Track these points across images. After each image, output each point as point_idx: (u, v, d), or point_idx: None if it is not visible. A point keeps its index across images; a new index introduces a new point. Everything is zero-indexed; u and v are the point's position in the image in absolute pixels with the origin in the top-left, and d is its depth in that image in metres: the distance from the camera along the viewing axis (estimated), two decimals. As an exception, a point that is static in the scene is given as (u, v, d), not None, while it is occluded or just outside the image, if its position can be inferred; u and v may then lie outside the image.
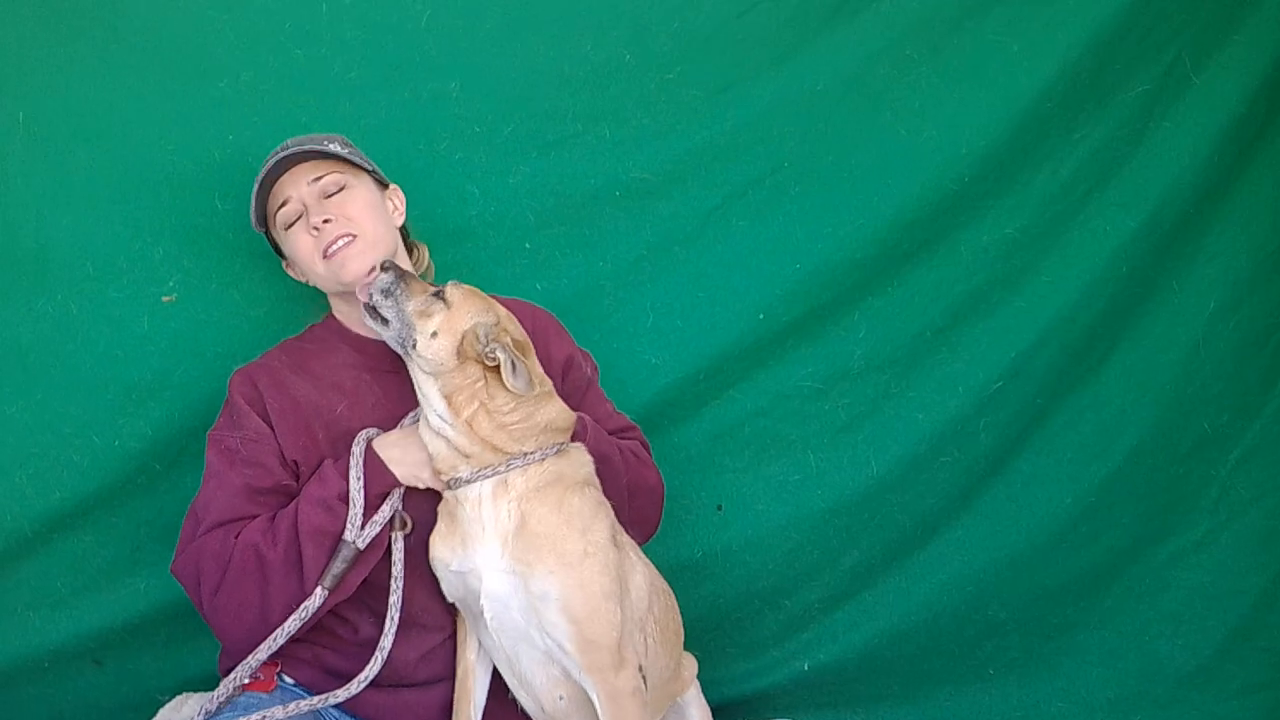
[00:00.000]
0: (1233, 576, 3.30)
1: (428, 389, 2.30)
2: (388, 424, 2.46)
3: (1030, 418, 3.21)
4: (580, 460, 2.35)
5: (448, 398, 2.27)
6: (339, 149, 2.45)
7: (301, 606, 2.30)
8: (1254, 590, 3.30)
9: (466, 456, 2.27)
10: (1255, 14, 3.09)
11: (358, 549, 2.31)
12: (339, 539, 2.30)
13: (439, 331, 2.26)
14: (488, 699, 2.44)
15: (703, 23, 3.00)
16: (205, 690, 2.87)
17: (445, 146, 2.95)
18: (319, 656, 2.46)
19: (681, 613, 2.61)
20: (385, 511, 2.34)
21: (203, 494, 2.45)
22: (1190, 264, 3.19)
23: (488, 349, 2.24)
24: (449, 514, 2.33)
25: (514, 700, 2.41)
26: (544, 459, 2.28)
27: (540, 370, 2.36)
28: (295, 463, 2.44)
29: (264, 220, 2.54)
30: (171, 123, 2.84)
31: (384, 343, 2.44)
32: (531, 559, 2.20)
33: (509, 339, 2.28)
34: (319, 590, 2.30)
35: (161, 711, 3.01)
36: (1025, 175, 3.09)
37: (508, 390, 2.24)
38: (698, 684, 2.63)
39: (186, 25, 2.83)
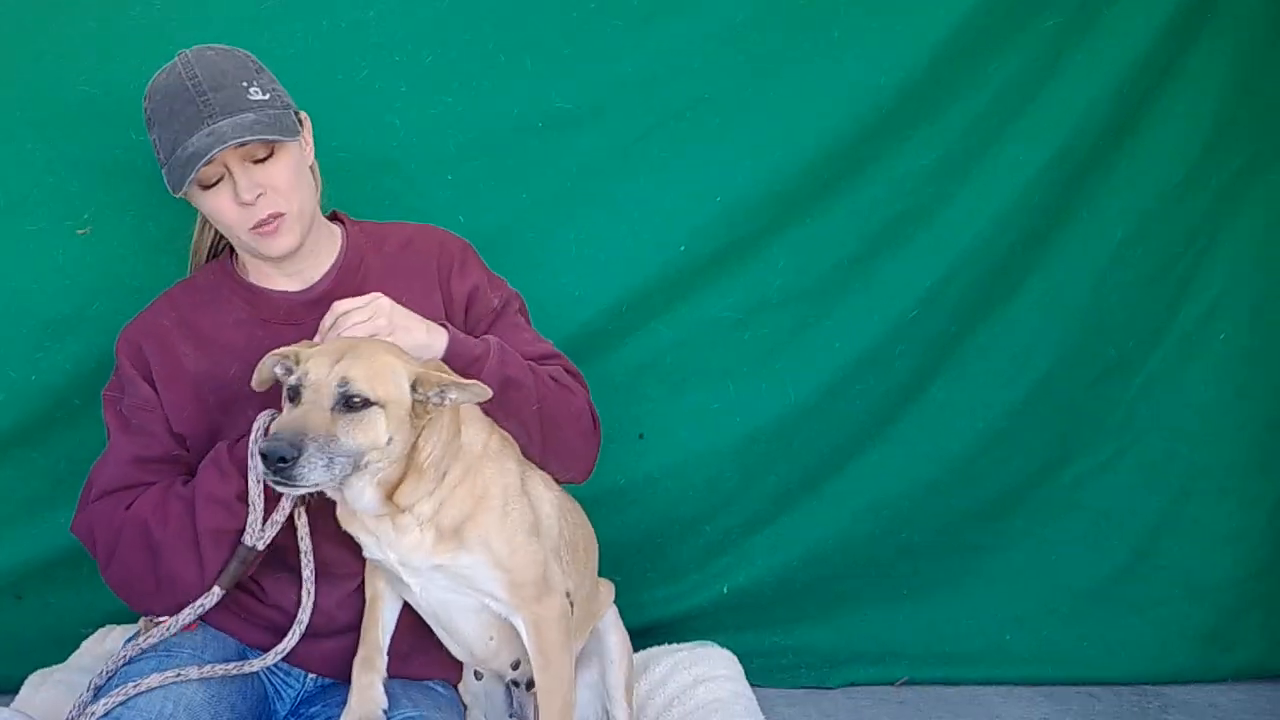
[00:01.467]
0: (1134, 499, 3.42)
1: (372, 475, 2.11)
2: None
3: (944, 346, 3.27)
4: (474, 428, 2.25)
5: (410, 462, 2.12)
6: (258, 94, 2.25)
7: (198, 603, 2.26)
8: (1153, 512, 3.42)
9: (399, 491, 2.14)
10: (1166, -52, 3.13)
11: (258, 551, 2.25)
12: (238, 536, 2.26)
13: (393, 434, 2.05)
14: (413, 637, 2.41)
15: (625, -47, 2.98)
16: (128, 623, 2.89)
17: (365, 76, 2.91)
18: (237, 600, 2.41)
19: (603, 539, 2.64)
20: (285, 508, 2.25)
21: (101, 456, 2.41)
22: (1098, 195, 3.25)
23: (435, 400, 2.08)
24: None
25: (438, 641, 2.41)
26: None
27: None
28: (182, 435, 2.37)
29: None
30: (85, 53, 2.79)
31: (281, 293, 2.41)
32: (454, 545, 2.16)
33: (436, 374, 2.10)
34: (216, 590, 2.27)
35: (84, 644, 3.02)
36: (941, 107, 3.12)
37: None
38: (615, 609, 2.66)
39: (100, -48, 2.77)
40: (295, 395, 2.01)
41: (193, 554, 2.25)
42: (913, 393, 3.30)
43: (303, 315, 2.39)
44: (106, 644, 2.99)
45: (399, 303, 2.26)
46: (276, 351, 2.11)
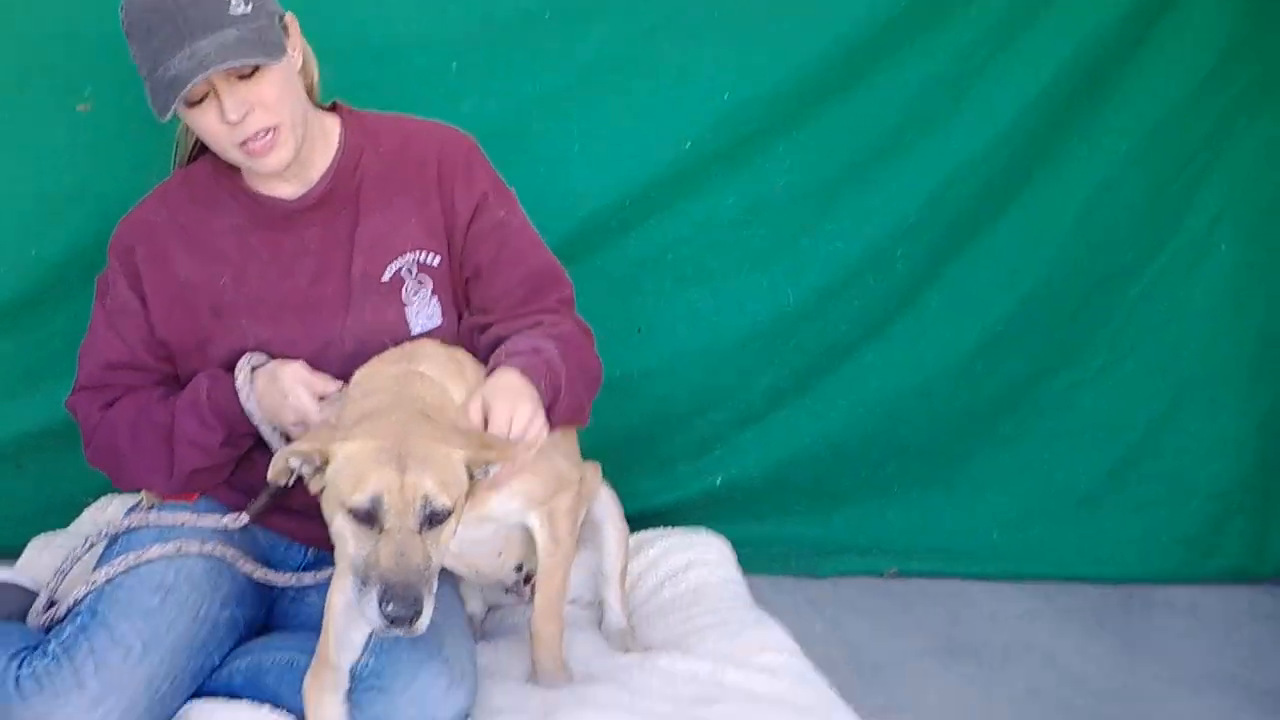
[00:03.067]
0: (1127, 405, 3.44)
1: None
2: (274, 289, 2.33)
3: (944, 250, 3.27)
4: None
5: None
6: (240, 6, 2.11)
7: (221, 522, 2.30)
8: (1146, 418, 3.45)
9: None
10: None
11: (285, 489, 2.22)
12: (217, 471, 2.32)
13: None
14: None
15: None
16: (130, 495, 2.92)
17: (369, -41, 2.86)
18: (239, 478, 2.42)
19: (597, 429, 2.62)
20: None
21: (84, 340, 2.42)
22: (1105, 107, 3.21)
23: (480, 476, 1.99)
24: None
25: None
26: None
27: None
28: (164, 342, 2.36)
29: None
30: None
31: (276, 199, 2.35)
32: (487, 493, 2.14)
33: (482, 452, 1.98)
34: (244, 517, 2.31)
35: (86, 512, 3.07)
36: (950, 14, 3.08)
37: None
38: (615, 496, 2.67)
39: None
40: (371, 518, 1.87)
41: (163, 477, 2.30)
42: (911, 295, 3.30)
43: (299, 221, 2.36)
44: (108, 512, 3.03)
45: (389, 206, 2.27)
46: (297, 449, 1.93)
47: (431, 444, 1.91)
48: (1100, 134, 3.24)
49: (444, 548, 1.91)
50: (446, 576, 2.42)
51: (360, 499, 1.85)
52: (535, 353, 2.17)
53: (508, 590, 2.59)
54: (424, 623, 1.83)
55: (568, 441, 2.46)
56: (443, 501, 1.87)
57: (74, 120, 2.85)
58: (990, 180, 3.22)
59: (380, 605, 1.79)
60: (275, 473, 1.95)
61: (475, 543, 2.26)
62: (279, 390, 2.21)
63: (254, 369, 2.27)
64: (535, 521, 2.25)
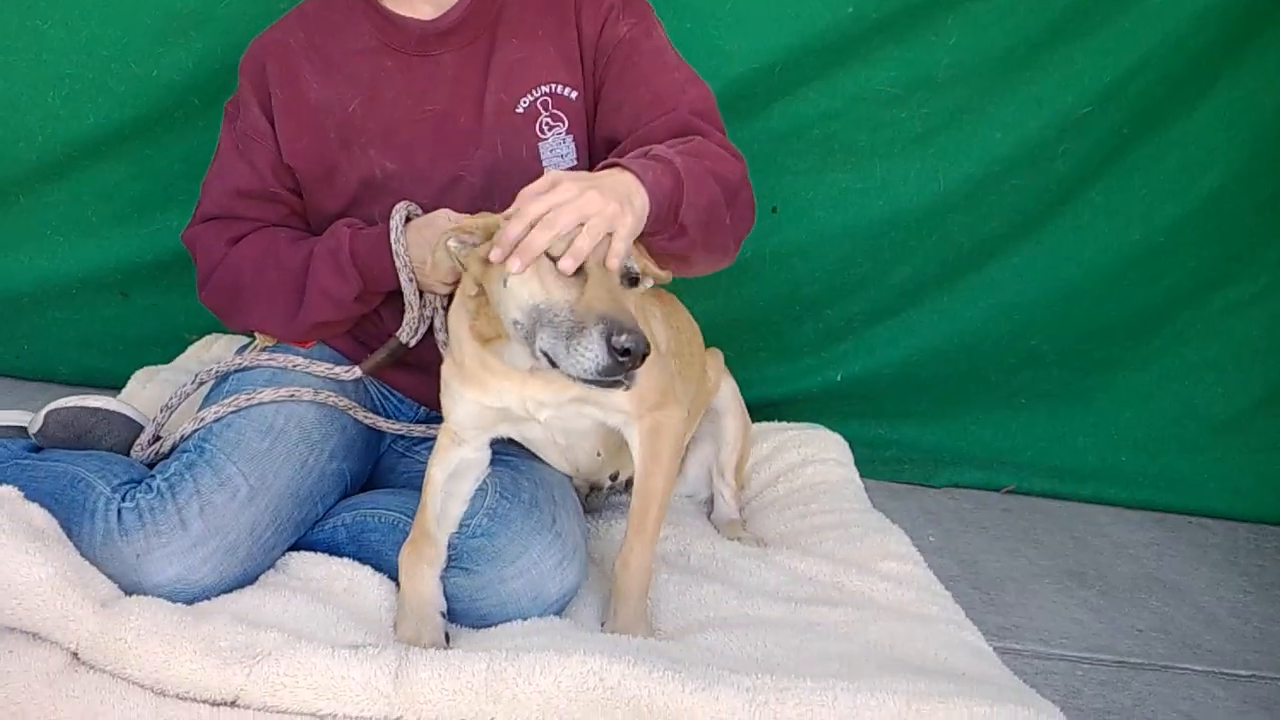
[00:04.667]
0: (1281, 334, 3.26)
1: None
2: (405, 115, 2.22)
3: (1112, 148, 3.08)
4: None
5: None
6: None
7: (334, 371, 2.23)
8: (1300, 350, 3.26)
9: None
10: None
11: (408, 347, 2.20)
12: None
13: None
14: None
15: None
16: (235, 334, 2.87)
17: None
18: (358, 324, 2.33)
19: (718, 313, 2.59)
20: (429, 304, 2.18)
21: (210, 169, 2.32)
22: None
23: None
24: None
25: None
26: None
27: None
28: (291, 167, 2.26)
29: None
30: None
31: (414, 20, 2.22)
32: None
33: (643, 259, 1.91)
34: (357, 369, 2.25)
35: (190, 348, 3.04)
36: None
37: None
38: (735, 387, 2.57)
39: None
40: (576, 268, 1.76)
41: (283, 323, 2.22)
42: (1069, 195, 3.13)
43: (435, 45, 2.23)
44: (214, 350, 3.01)
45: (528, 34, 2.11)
46: (459, 228, 1.87)
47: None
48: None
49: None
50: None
51: (557, 245, 1.74)
52: (648, 155, 1.99)
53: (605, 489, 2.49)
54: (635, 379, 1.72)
55: (690, 358, 2.35)
56: (633, 262, 1.82)
57: (204, -64, 2.75)
58: (1177, 71, 3.02)
59: (609, 340, 1.67)
60: (442, 269, 1.94)
61: (579, 434, 2.12)
62: (431, 235, 2.07)
63: (408, 219, 2.16)
64: (634, 435, 2.04)
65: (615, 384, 1.71)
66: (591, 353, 1.68)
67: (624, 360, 1.67)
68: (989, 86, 3.00)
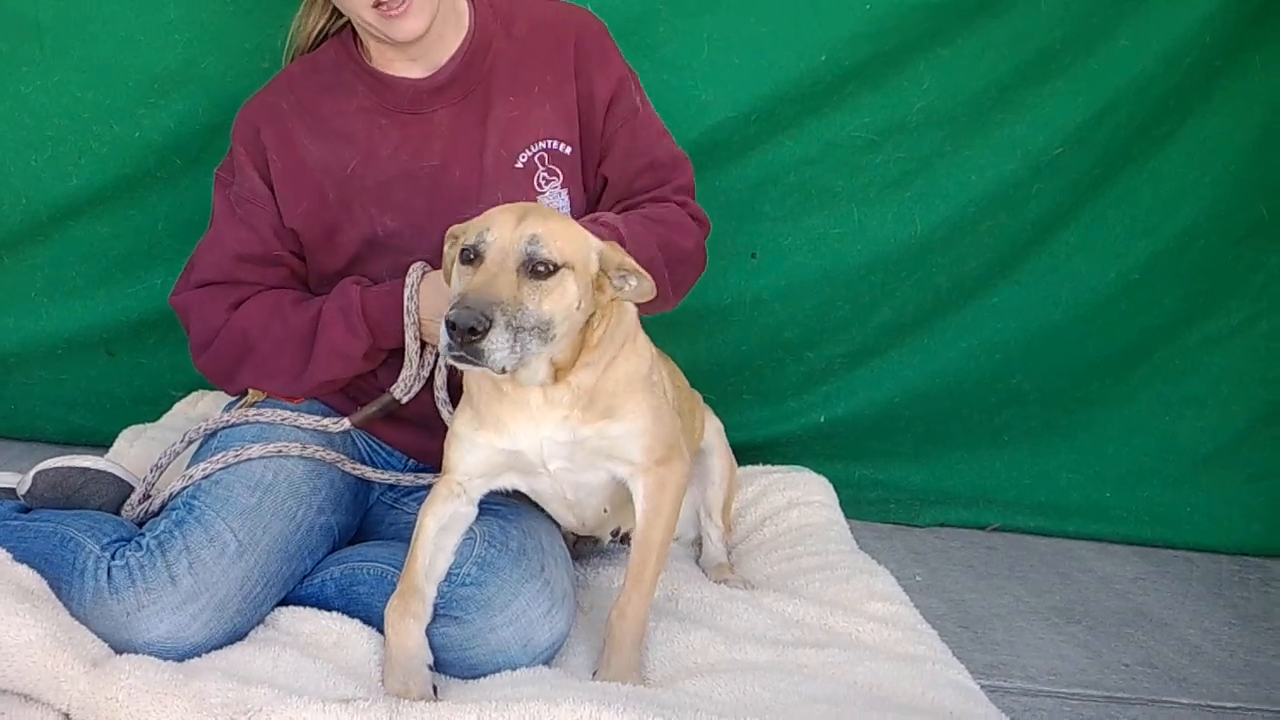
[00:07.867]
0: (1262, 364, 3.28)
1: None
2: (403, 173, 2.26)
3: (1086, 188, 3.11)
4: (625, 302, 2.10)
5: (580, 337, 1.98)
6: None
7: (323, 424, 2.24)
8: (1278, 382, 3.28)
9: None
10: None
11: (402, 403, 2.23)
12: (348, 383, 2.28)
13: (582, 299, 1.89)
14: None
15: None
16: (220, 391, 2.87)
17: None
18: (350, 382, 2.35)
19: (702, 358, 2.61)
20: (429, 362, 2.22)
21: (205, 236, 2.33)
22: (1276, 40, 3.01)
23: (616, 284, 1.95)
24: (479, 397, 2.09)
25: None
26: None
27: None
28: (294, 231, 2.29)
29: None
30: None
31: (405, 80, 2.27)
32: (604, 417, 2.03)
33: (619, 255, 1.96)
34: (346, 421, 2.25)
35: (177, 405, 3.05)
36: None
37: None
38: (721, 429, 2.60)
39: None
40: (475, 257, 1.85)
41: (288, 383, 2.24)
42: (1045, 235, 3.15)
43: (428, 103, 2.28)
44: (200, 407, 3.01)
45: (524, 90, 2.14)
46: (453, 230, 1.97)
47: (558, 214, 1.94)
48: (1266, 71, 3.04)
49: (548, 309, 1.83)
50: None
51: (470, 239, 1.85)
52: (595, 221, 2.11)
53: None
54: (490, 356, 1.75)
55: (690, 407, 2.41)
56: (550, 250, 1.83)
57: (185, -4, 2.77)
58: (1146, 111, 3.04)
59: (447, 319, 1.74)
60: (445, 258, 1.99)
61: (588, 490, 2.14)
62: (439, 300, 2.11)
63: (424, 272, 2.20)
64: (640, 487, 2.08)
65: (463, 359, 1.76)
66: (443, 335, 1.76)
67: (452, 333, 1.73)
68: (962, 130, 3.03)
